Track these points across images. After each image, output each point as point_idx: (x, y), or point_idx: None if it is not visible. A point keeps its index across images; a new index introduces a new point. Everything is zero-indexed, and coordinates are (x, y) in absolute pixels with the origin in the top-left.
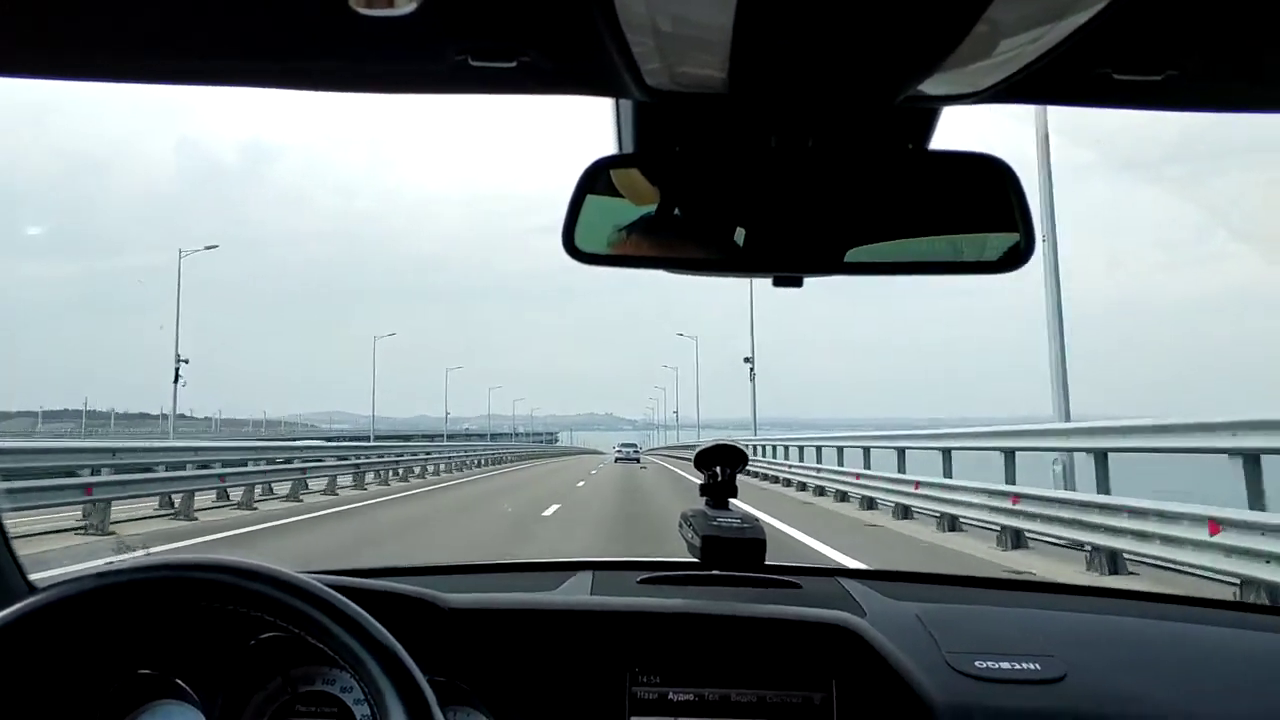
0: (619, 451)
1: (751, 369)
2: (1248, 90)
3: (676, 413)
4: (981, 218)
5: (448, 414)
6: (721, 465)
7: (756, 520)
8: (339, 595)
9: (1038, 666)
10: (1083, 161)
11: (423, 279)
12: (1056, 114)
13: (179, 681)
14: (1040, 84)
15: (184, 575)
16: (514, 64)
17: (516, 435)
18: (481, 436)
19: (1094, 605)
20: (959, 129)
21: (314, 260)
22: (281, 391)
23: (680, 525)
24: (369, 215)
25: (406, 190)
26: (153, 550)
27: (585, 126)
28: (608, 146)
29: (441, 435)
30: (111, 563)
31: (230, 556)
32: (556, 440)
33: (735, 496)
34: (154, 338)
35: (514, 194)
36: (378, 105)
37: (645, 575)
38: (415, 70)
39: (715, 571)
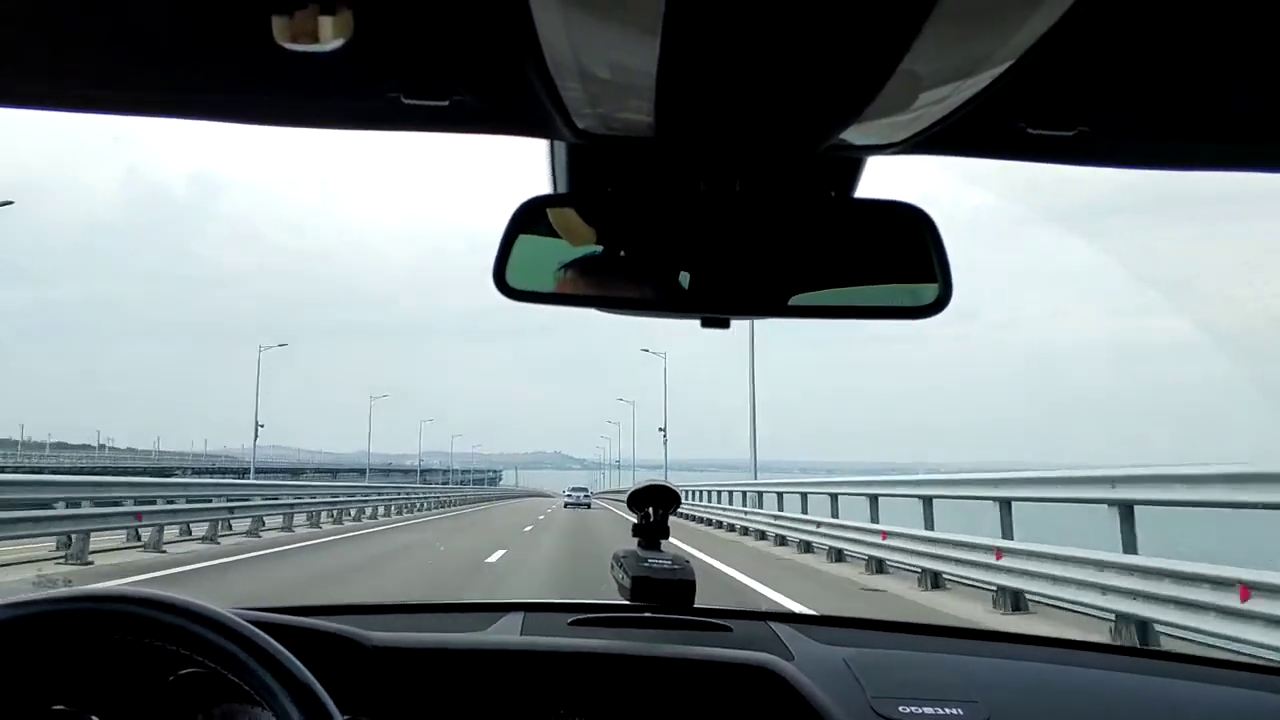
0: (569, 496)
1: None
2: (1154, 148)
3: (663, 430)
4: (903, 264)
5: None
6: (654, 506)
7: (687, 561)
8: (257, 630)
9: (960, 712)
10: (1018, 214)
11: (372, 316)
12: (1003, 169)
13: (94, 719)
14: (958, 136)
15: (98, 607)
16: (446, 103)
17: (446, 473)
18: (360, 473)
19: (1020, 652)
20: (892, 178)
21: (260, 295)
22: (226, 425)
23: (612, 566)
24: (318, 252)
25: (357, 227)
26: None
27: (535, 166)
28: (547, 185)
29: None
30: (24, 595)
31: (147, 589)
32: (499, 480)
33: (667, 537)
34: (86, 367)
35: (466, 231)
36: (328, 141)
37: (577, 617)
38: (348, 106)
39: (648, 614)
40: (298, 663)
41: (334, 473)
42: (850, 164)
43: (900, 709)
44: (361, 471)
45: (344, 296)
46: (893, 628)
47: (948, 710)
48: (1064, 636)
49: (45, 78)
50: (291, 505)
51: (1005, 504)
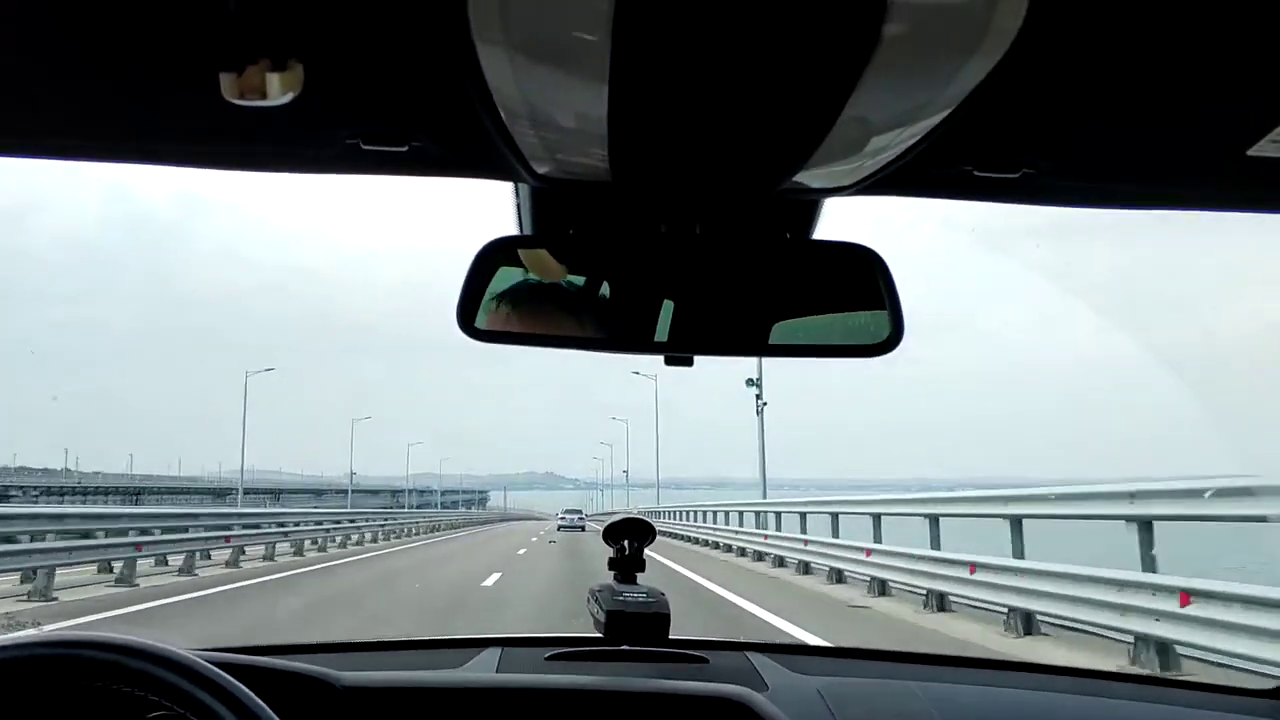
0: (562, 519)
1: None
2: (1097, 189)
3: (755, 384)
4: (856, 303)
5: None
6: (629, 539)
7: (662, 594)
8: (222, 673)
9: None
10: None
11: (361, 335)
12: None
13: None
14: (907, 178)
15: (62, 653)
16: (405, 148)
17: (424, 494)
18: (317, 494)
19: (994, 679)
20: (859, 218)
21: (247, 314)
22: (216, 448)
23: (588, 600)
24: (306, 270)
25: (347, 246)
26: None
27: (502, 206)
28: (514, 225)
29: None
30: None
31: (112, 633)
32: (485, 502)
33: (643, 570)
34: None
35: (452, 250)
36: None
37: (554, 652)
38: (307, 152)
39: (625, 647)
40: (263, 706)
41: (276, 495)
42: (806, 206)
43: None
44: (318, 493)
45: (329, 317)
46: (869, 656)
47: None
48: (1040, 662)
49: (8, 125)
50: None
51: (934, 520)
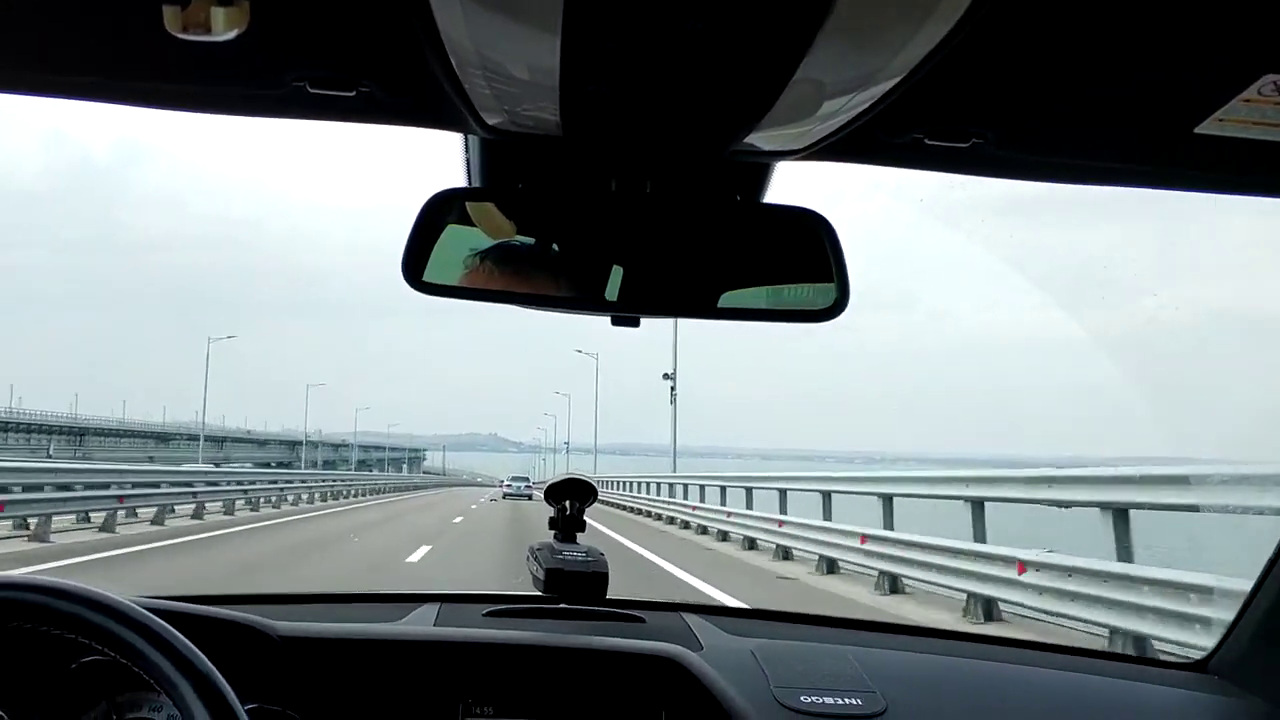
0: (508, 487)
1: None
2: (1045, 162)
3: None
4: (803, 268)
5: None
6: (571, 499)
7: (602, 554)
8: (154, 617)
9: (859, 702)
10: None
11: (304, 291)
12: None
13: None
14: (858, 145)
15: None
16: (353, 93)
17: (338, 448)
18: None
19: (918, 644)
20: (812, 188)
21: (188, 266)
22: (144, 399)
23: (528, 558)
24: (248, 221)
25: (291, 199)
26: None
27: (451, 156)
28: (462, 177)
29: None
30: None
31: (43, 576)
32: (420, 462)
33: (583, 530)
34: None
35: (402, 207)
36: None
37: (492, 608)
38: (250, 93)
39: (564, 605)
40: (196, 651)
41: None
42: (757, 169)
43: (801, 698)
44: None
45: (273, 272)
46: (801, 620)
47: (847, 700)
48: (962, 630)
49: None
50: None
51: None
